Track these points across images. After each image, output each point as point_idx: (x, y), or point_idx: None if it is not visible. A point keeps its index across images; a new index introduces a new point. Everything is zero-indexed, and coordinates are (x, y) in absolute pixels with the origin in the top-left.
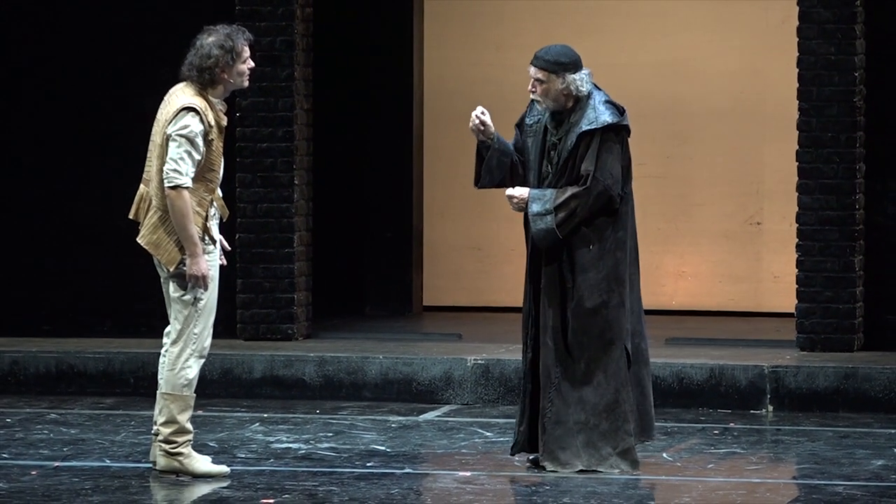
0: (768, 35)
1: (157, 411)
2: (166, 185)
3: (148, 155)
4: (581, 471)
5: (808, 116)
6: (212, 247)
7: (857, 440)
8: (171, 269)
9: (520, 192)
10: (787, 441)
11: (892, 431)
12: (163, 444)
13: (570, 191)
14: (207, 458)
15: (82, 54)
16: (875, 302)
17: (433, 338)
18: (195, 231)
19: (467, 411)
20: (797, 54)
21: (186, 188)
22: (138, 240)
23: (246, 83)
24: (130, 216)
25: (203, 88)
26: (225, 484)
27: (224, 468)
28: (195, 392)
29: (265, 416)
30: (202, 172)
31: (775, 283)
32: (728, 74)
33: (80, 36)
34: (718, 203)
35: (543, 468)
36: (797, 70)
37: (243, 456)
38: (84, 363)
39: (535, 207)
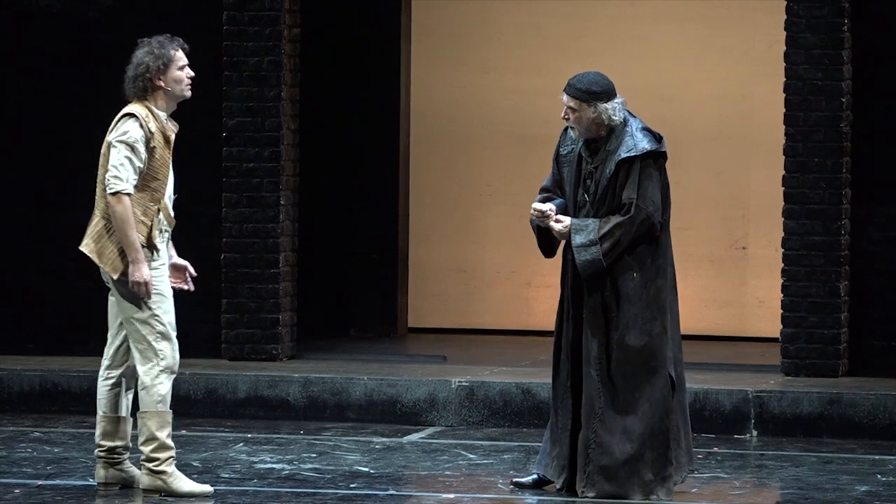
0: (755, 60)
1: (100, 433)
2: (107, 191)
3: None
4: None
5: (795, 141)
6: (159, 261)
7: (841, 466)
8: (115, 277)
9: (562, 223)
10: (770, 466)
11: (876, 457)
12: (145, 463)
13: (613, 220)
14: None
15: (65, 71)
16: (860, 327)
17: (418, 359)
18: (136, 237)
19: (451, 433)
20: (784, 79)
21: (127, 194)
22: (81, 247)
23: (188, 92)
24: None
25: (144, 99)
26: None
27: (207, 488)
28: (171, 408)
29: (249, 436)
30: (146, 181)
31: (760, 308)
32: (715, 99)
33: (65, 51)
34: (704, 227)
35: (577, 494)
36: (784, 95)
37: (227, 476)
38: (68, 381)
39: (578, 239)
